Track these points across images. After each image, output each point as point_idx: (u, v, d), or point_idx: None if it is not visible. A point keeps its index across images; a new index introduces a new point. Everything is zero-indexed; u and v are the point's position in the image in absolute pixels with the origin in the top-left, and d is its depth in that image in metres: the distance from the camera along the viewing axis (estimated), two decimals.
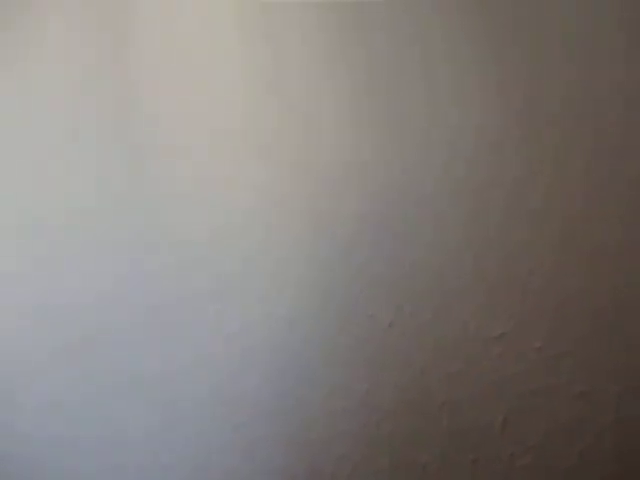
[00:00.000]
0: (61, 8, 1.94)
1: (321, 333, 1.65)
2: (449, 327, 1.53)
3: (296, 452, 1.67)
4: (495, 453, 1.49)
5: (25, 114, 1.98)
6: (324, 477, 1.64)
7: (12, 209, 1.98)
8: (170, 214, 1.81)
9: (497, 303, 1.49)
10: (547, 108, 1.46)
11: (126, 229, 1.86)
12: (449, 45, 1.54)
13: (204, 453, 1.76)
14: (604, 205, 1.41)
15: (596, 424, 1.41)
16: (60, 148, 1.94)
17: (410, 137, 1.57)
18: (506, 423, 1.48)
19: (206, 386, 1.76)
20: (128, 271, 1.85)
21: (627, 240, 1.40)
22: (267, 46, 1.72)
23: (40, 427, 1.92)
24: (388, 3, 1.59)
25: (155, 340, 1.81)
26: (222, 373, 1.74)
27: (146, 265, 1.83)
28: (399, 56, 1.59)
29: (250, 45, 1.73)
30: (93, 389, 1.87)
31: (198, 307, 1.77)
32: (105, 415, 1.86)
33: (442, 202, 1.54)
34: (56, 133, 1.94)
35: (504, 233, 1.49)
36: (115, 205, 1.87)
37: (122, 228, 1.86)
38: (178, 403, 1.79)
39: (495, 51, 1.50)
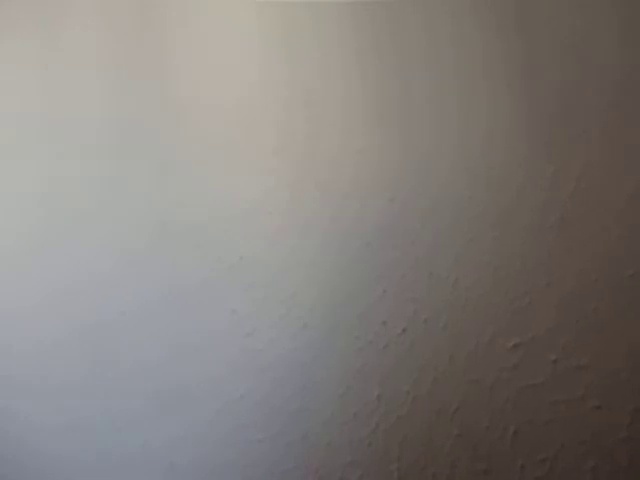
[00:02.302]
0: None
1: (334, 336, 1.64)
2: (463, 335, 1.52)
3: (304, 456, 1.66)
4: (506, 464, 1.48)
5: (50, 91, 1.98)
6: None
7: (27, 181, 1.98)
8: (184, 202, 1.81)
9: (514, 314, 1.48)
10: (552, 108, 1.46)
11: (142, 212, 1.85)
12: (459, 45, 1.53)
13: (206, 453, 1.76)
14: (631, 215, 1.41)
15: (609, 440, 1.40)
16: (82, 126, 1.93)
17: (438, 149, 1.57)
18: (517, 434, 1.47)
19: (212, 384, 1.76)
20: (140, 255, 1.84)
21: None
22: (285, 45, 1.71)
23: (42, 411, 1.92)
24: (402, 3, 1.59)
25: (163, 331, 1.81)
26: (231, 371, 1.74)
27: (157, 252, 1.82)
28: (408, 57, 1.59)
29: (269, 44, 1.73)
30: (98, 374, 1.86)
31: (211, 305, 1.77)
32: (107, 401, 1.85)
33: (466, 214, 1.53)
34: (77, 110, 1.94)
35: (526, 247, 1.48)
36: (127, 185, 1.87)
37: (138, 210, 1.86)
38: (181, 397, 1.78)
39: (504, 53, 1.50)
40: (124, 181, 1.88)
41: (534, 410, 1.46)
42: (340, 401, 1.63)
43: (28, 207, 1.97)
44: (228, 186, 1.76)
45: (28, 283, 1.96)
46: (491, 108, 1.52)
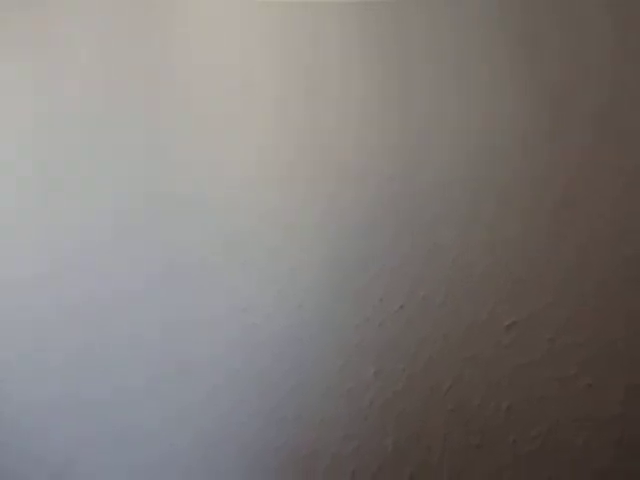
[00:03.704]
0: None
1: (331, 313, 1.66)
2: (460, 312, 1.55)
3: (300, 430, 1.68)
4: (498, 439, 1.51)
5: (54, 82, 1.97)
6: (325, 456, 1.66)
7: (21, 155, 1.96)
8: (181, 179, 1.81)
9: (510, 292, 1.51)
10: (553, 92, 1.48)
11: (138, 189, 1.85)
12: (485, 47, 1.54)
13: (203, 429, 1.77)
14: (629, 203, 1.43)
15: (602, 417, 1.44)
16: (78, 103, 1.93)
17: (438, 134, 1.58)
18: (511, 410, 1.50)
19: (209, 360, 1.77)
20: (136, 232, 1.84)
21: None
22: (286, 34, 1.71)
23: (36, 391, 1.92)
24: (428, 3, 1.60)
25: (159, 308, 1.82)
26: (227, 347, 1.75)
27: (153, 229, 1.83)
28: (434, 57, 1.59)
29: (270, 37, 1.73)
30: (94, 352, 1.87)
31: (208, 281, 1.78)
32: (104, 379, 1.86)
33: (465, 195, 1.55)
34: (81, 101, 1.93)
35: (524, 228, 1.50)
36: (123, 162, 1.86)
37: (133, 187, 1.86)
38: (178, 374, 1.79)
39: (528, 53, 1.51)
40: (120, 158, 1.87)
41: (528, 387, 1.49)
42: (337, 377, 1.65)
43: (22, 182, 1.96)
44: (225, 163, 1.77)
45: (21, 261, 1.96)
46: (492, 88, 1.53)
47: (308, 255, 1.68)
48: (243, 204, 1.75)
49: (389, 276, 1.61)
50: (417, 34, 1.59)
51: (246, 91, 1.75)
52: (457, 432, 1.54)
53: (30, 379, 1.93)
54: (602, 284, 1.45)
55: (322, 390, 1.67)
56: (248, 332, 1.74)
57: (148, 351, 1.82)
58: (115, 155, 1.88)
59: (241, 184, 1.75)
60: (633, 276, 1.42)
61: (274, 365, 1.71)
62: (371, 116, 1.63)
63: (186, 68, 1.81)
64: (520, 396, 1.50)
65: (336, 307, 1.66)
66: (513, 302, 1.50)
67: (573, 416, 1.45)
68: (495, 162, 1.53)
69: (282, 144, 1.71)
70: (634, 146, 1.43)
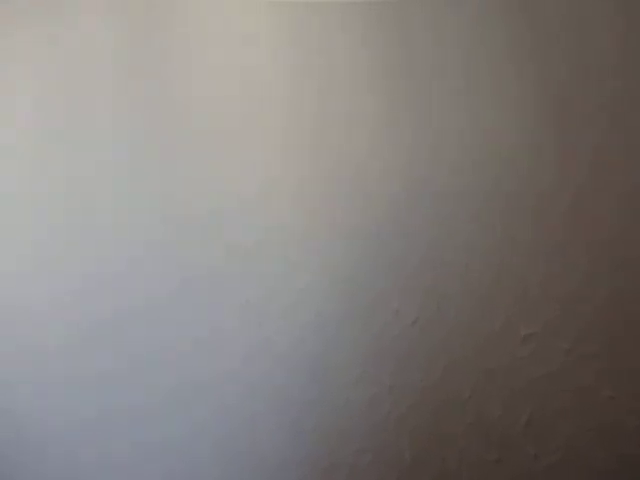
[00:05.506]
0: None
1: (347, 326, 1.65)
2: (476, 323, 1.53)
3: (317, 443, 1.67)
4: (517, 452, 1.48)
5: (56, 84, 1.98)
6: (343, 468, 1.65)
7: (41, 180, 1.98)
8: (194, 195, 1.81)
9: (526, 303, 1.48)
10: (560, 94, 1.46)
11: (153, 205, 1.86)
12: (489, 46, 1.52)
13: (221, 445, 1.77)
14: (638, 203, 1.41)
15: (622, 428, 1.41)
16: (93, 126, 1.94)
17: (446, 137, 1.56)
18: (530, 423, 1.48)
19: (226, 375, 1.76)
20: (153, 248, 1.85)
21: None
22: (292, 42, 1.71)
23: (49, 408, 1.93)
24: (431, 3, 1.58)
25: (175, 323, 1.82)
26: (244, 362, 1.75)
27: (168, 245, 1.83)
28: (415, 49, 1.58)
29: (277, 42, 1.72)
30: (112, 369, 1.88)
31: (223, 296, 1.77)
32: (122, 395, 1.87)
33: (475, 202, 1.53)
34: (87, 110, 1.94)
35: (536, 234, 1.48)
36: (137, 179, 1.87)
37: (148, 204, 1.86)
38: (195, 389, 1.79)
39: (533, 53, 1.49)
40: (133, 175, 1.88)
41: (547, 399, 1.46)
42: (353, 389, 1.64)
43: (39, 207, 1.97)
44: (237, 177, 1.76)
45: (37, 281, 1.97)
46: (499, 94, 1.51)
47: (322, 267, 1.67)
48: (255, 218, 1.74)
49: (403, 288, 1.59)
50: (421, 34, 1.57)
51: (246, 91, 1.75)
52: (476, 446, 1.52)
53: (42, 398, 1.94)
54: (617, 290, 1.42)
55: (338, 403, 1.65)
56: (263, 346, 1.73)
57: (165, 367, 1.82)
58: (127, 175, 1.88)
59: (253, 197, 1.75)
60: None
61: (289, 379, 1.70)
62: (380, 126, 1.62)
63: (186, 68, 1.81)
64: (539, 408, 1.47)
65: (351, 319, 1.64)
66: (527, 311, 1.48)
67: (593, 427, 1.42)
68: (503, 164, 1.50)
69: (291, 158, 1.71)
70: None
